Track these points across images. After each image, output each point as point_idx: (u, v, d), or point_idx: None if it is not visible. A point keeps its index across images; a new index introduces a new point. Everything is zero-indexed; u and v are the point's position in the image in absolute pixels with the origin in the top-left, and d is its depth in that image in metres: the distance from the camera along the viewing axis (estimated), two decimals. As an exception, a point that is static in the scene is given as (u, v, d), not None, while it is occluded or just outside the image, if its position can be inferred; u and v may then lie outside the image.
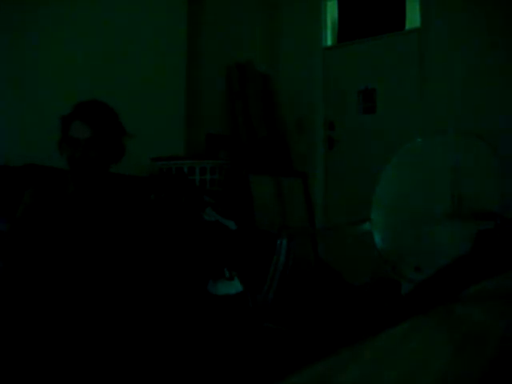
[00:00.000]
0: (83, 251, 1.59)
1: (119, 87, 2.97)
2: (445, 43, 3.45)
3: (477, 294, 0.69)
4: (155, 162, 3.09)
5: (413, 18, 3.77)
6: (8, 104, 2.46)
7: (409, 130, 3.48)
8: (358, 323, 1.47)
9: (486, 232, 1.25)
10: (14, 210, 1.62)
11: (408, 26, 3.82)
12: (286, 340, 1.57)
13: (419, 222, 1.88)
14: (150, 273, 1.75)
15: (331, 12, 4.29)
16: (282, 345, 1.52)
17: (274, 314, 1.73)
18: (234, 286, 2.05)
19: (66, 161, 1.61)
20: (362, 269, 2.07)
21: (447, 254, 1.23)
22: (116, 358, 1.31)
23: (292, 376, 0.37)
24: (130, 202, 1.74)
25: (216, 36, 3.88)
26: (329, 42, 4.31)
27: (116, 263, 1.64)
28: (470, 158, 1.86)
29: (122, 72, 3.02)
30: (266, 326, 1.64)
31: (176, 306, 1.71)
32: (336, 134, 4.13)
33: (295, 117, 4.28)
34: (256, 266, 2.08)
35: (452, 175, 1.85)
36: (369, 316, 1.53)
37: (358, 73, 4.02)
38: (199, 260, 2.07)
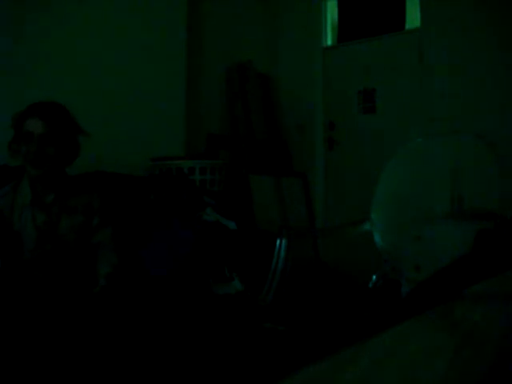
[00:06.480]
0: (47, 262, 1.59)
1: (119, 87, 2.98)
2: (445, 43, 3.45)
3: (477, 294, 0.69)
4: (155, 162, 3.09)
5: (413, 17, 3.77)
6: (8, 104, 2.46)
7: (409, 130, 3.48)
8: (359, 323, 1.47)
9: (486, 232, 1.25)
10: None
11: (408, 25, 3.82)
12: (286, 340, 1.57)
13: (419, 222, 1.88)
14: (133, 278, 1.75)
15: (331, 12, 4.29)
16: (282, 345, 1.52)
17: (274, 313, 1.73)
18: (234, 286, 2.05)
19: (22, 161, 1.59)
20: (362, 269, 2.06)
21: (447, 253, 1.23)
22: (116, 357, 1.31)
23: (292, 376, 0.37)
24: (90, 204, 1.73)
25: (216, 36, 3.88)
26: (329, 42, 4.31)
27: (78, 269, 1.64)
28: (469, 158, 1.86)
29: (122, 72, 3.02)
30: (266, 326, 1.63)
31: (176, 305, 1.71)
32: (336, 134, 4.13)
33: (295, 117, 4.28)
34: (256, 266, 2.08)
35: (452, 175, 1.85)
36: (369, 316, 1.53)
37: (358, 73, 4.01)
38: (199, 260, 2.07)
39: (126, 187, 2.29)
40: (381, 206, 1.99)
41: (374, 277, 1.86)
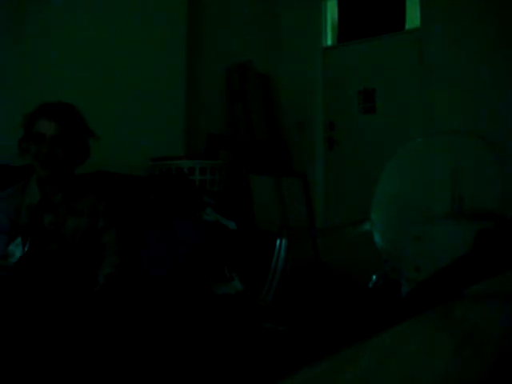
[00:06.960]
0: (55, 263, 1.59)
1: (119, 87, 2.97)
2: (445, 43, 3.45)
3: (477, 294, 0.69)
4: (155, 162, 3.09)
5: (413, 17, 3.77)
6: (9, 103, 2.46)
7: (409, 130, 3.48)
8: (359, 323, 1.47)
9: (486, 232, 1.25)
10: None
11: (408, 25, 3.82)
12: (286, 340, 1.57)
13: (419, 222, 1.88)
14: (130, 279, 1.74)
15: (331, 12, 4.29)
16: (282, 345, 1.52)
17: (274, 313, 1.73)
18: (234, 286, 2.05)
19: (31, 161, 1.59)
20: (362, 269, 2.07)
21: (447, 253, 1.23)
22: (115, 357, 1.31)
23: (292, 376, 0.37)
24: (97, 205, 1.74)
25: (216, 36, 3.88)
26: (329, 42, 4.31)
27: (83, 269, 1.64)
28: (469, 158, 1.86)
29: (122, 72, 3.02)
30: (266, 326, 1.63)
31: (176, 305, 1.71)
32: (336, 134, 4.13)
33: (295, 117, 4.28)
34: (256, 266, 2.08)
35: (452, 175, 1.85)
36: (369, 316, 1.53)
37: (358, 73, 4.02)
38: (199, 260, 2.07)
39: (127, 187, 2.29)
40: (381, 206, 1.99)
41: (374, 277, 1.86)
